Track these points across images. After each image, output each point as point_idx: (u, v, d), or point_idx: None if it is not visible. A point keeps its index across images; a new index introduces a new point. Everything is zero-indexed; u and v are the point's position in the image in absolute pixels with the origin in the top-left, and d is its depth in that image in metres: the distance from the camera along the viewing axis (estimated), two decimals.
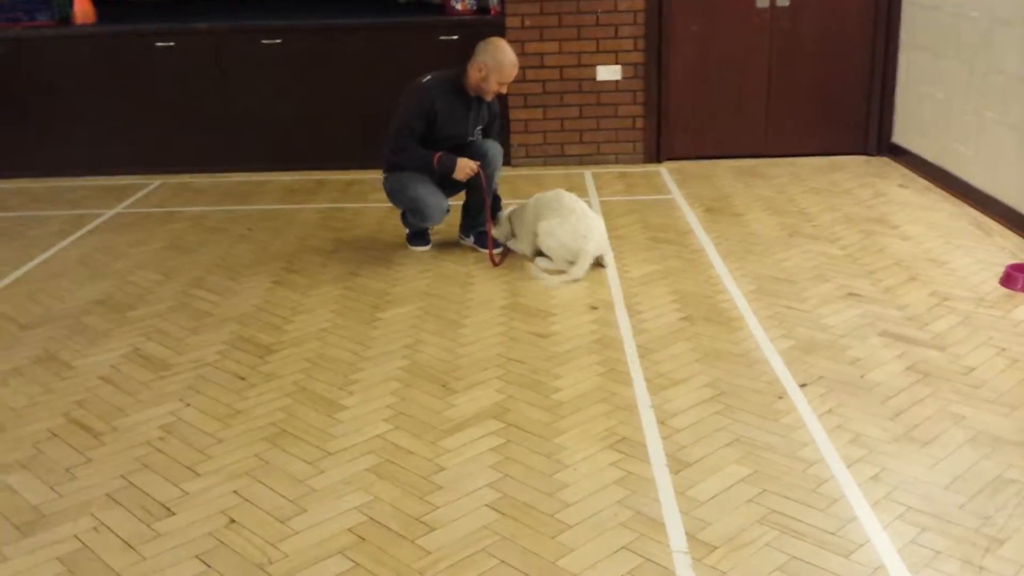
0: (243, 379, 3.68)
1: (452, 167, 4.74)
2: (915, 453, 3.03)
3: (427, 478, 2.95)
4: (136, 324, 4.26)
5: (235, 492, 2.90)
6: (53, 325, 4.28)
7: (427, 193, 4.84)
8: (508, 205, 5.15)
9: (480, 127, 4.96)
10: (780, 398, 3.40)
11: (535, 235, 4.74)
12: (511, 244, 5.01)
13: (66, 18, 7.03)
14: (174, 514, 2.80)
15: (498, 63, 4.72)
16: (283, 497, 2.86)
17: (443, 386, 3.57)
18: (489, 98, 4.87)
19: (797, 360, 3.69)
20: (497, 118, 5.08)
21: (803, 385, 3.49)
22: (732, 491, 2.85)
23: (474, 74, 4.74)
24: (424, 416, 3.34)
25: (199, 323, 4.25)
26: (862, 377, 3.54)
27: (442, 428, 3.25)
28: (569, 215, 4.65)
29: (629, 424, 3.24)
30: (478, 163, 4.80)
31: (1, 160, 6.94)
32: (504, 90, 4.83)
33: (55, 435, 3.29)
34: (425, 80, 4.80)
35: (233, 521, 2.75)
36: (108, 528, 2.73)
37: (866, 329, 3.96)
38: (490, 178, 4.91)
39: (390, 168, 4.94)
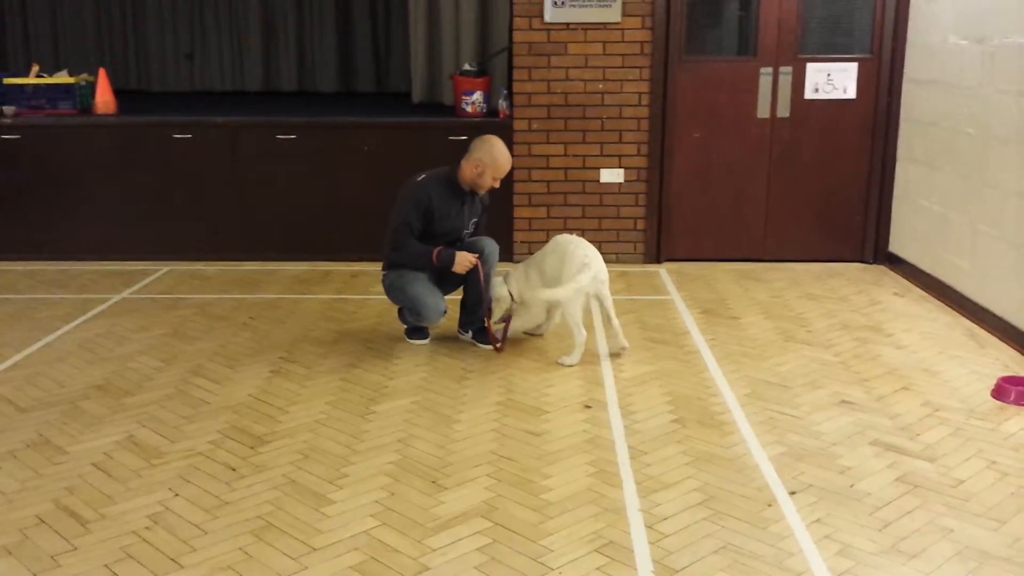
0: (234, 470, 3.69)
1: (451, 261, 4.83)
2: (902, 566, 3.01)
3: None
4: (133, 411, 4.29)
5: None
6: (50, 409, 4.31)
7: (425, 293, 4.92)
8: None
9: (475, 220, 5.07)
10: (769, 505, 3.39)
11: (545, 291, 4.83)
12: (516, 314, 5.10)
13: (87, 108, 7.26)
14: None
15: (494, 159, 4.86)
16: None
17: (433, 482, 3.57)
18: (482, 192, 4.99)
19: (788, 467, 3.69)
20: (487, 210, 5.20)
21: (792, 493, 3.48)
22: None
23: (470, 170, 4.87)
24: (412, 513, 3.34)
25: (195, 411, 4.28)
26: (851, 487, 3.54)
27: (429, 526, 3.25)
28: (570, 251, 4.81)
29: (617, 527, 3.23)
30: (476, 256, 4.90)
31: (16, 242, 7.08)
32: (497, 184, 4.95)
33: (43, 521, 3.29)
34: (420, 178, 4.93)
35: None
36: None
37: (857, 438, 3.97)
38: (488, 274, 4.99)
39: (389, 265, 5.04)
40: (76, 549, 3.11)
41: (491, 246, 5.07)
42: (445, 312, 5.02)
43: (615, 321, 4.94)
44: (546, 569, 2.98)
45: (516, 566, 3.00)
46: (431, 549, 3.10)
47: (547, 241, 5.18)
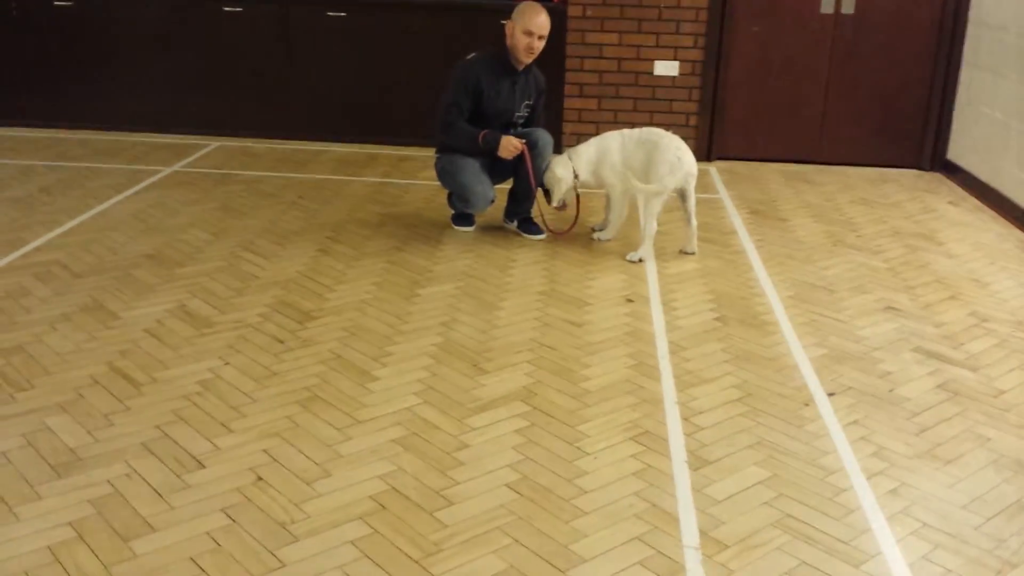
0: (282, 342, 3.78)
1: (496, 143, 4.79)
2: (936, 471, 3.04)
3: (451, 453, 3.02)
4: (183, 281, 4.38)
5: (265, 451, 2.99)
6: (104, 275, 4.41)
7: (475, 180, 4.90)
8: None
9: (528, 102, 4.99)
10: (806, 405, 3.42)
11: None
12: (580, 186, 5.01)
13: None
14: (204, 467, 2.89)
15: (519, 12, 4.78)
16: (310, 460, 2.95)
17: (474, 365, 3.64)
18: (524, 57, 4.81)
19: (827, 369, 3.71)
20: (544, 94, 5.10)
21: (831, 394, 3.50)
22: (749, 492, 2.88)
23: (507, 37, 4.80)
24: (453, 393, 3.41)
25: (244, 285, 4.36)
26: (891, 391, 3.55)
27: (470, 406, 3.32)
28: (662, 146, 4.74)
29: (653, 418, 3.28)
30: (523, 141, 4.84)
31: (68, 111, 7.14)
32: (535, 44, 4.77)
33: (97, 382, 3.41)
34: (469, 58, 4.87)
35: (260, 479, 2.84)
36: (140, 476, 2.84)
37: (900, 344, 3.96)
38: (538, 166, 4.95)
39: (442, 148, 5.02)
40: (129, 409, 3.22)
41: (544, 137, 5.00)
42: (493, 200, 5.02)
43: (694, 222, 4.89)
44: (581, 453, 3.05)
45: (553, 448, 3.07)
46: (471, 428, 3.18)
47: (596, 133, 5.12)
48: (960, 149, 6.57)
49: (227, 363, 3.58)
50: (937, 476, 3.01)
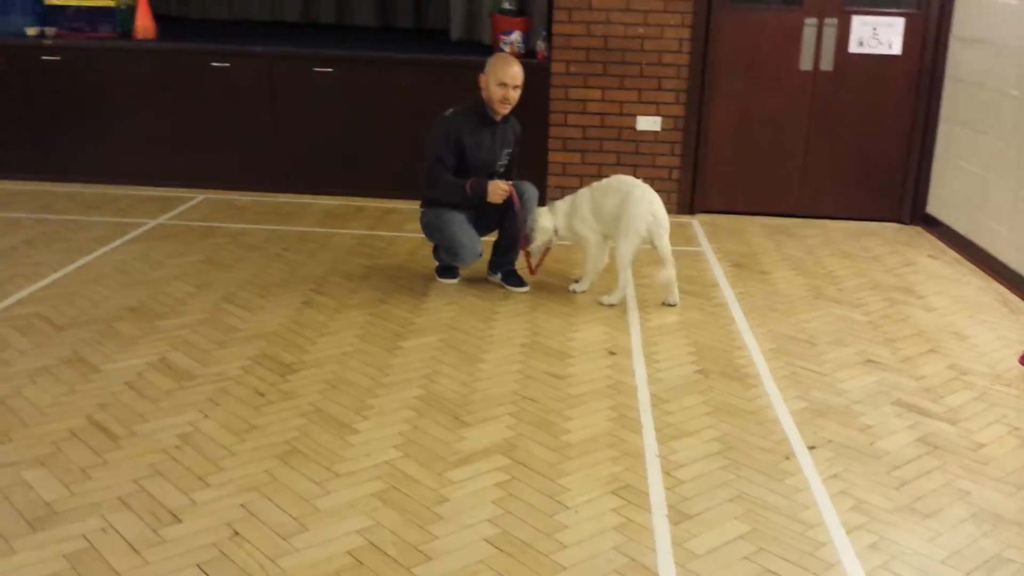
0: (262, 395, 3.77)
1: (483, 190, 4.84)
2: (916, 525, 3.04)
3: (430, 508, 3.00)
4: (165, 334, 4.38)
5: (242, 505, 2.97)
6: (85, 328, 4.40)
7: (463, 234, 4.94)
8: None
9: (508, 150, 5.06)
10: (787, 458, 3.42)
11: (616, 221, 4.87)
12: (558, 239, 5.13)
13: (127, 32, 7.27)
14: (181, 521, 2.87)
15: (491, 66, 4.88)
16: (287, 514, 2.93)
17: (456, 418, 3.63)
18: (500, 108, 4.87)
19: (808, 422, 3.71)
20: (520, 142, 5.16)
21: (811, 448, 3.51)
22: (729, 547, 2.87)
23: (483, 92, 4.87)
24: (434, 446, 3.40)
25: (226, 337, 4.36)
26: (871, 444, 3.56)
27: (450, 460, 3.31)
28: (635, 196, 4.83)
29: (634, 471, 3.28)
30: (509, 183, 4.90)
31: (55, 164, 7.16)
32: (511, 95, 4.84)
33: (75, 435, 3.39)
34: (448, 113, 4.94)
35: (237, 534, 2.82)
36: (116, 530, 2.81)
37: (881, 397, 3.98)
38: (524, 216, 4.99)
39: (427, 202, 5.06)
40: (106, 463, 3.20)
41: (530, 190, 5.06)
42: (480, 255, 5.05)
43: (671, 270, 4.91)
44: (562, 507, 3.04)
45: (533, 502, 3.06)
46: (451, 482, 3.16)
47: (579, 187, 5.18)
48: (939, 203, 6.65)
49: (207, 416, 3.57)
50: (916, 530, 3.01)
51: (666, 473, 3.28)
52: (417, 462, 3.28)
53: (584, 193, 5.05)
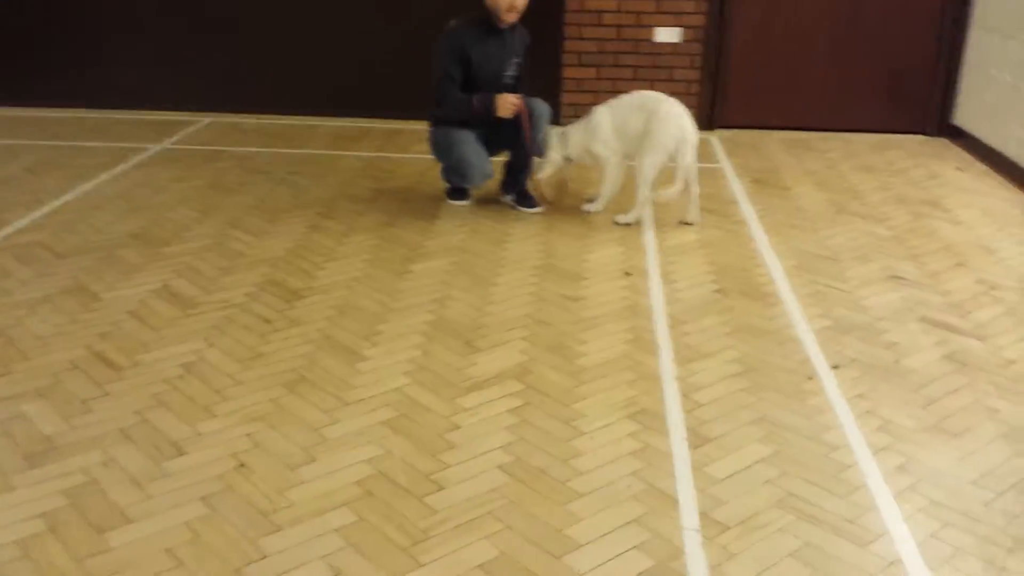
0: (269, 322, 3.67)
1: (491, 103, 4.64)
2: (944, 445, 2.93)
3: (441, 435, 2.91)
4: (169, 260, 4.27)
5: (248, 436, 2.88)
6: (87, 256, 4.30)
7: (472, 154, 4.76)
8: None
9: (516, 59, 4.84)
10: (809, 379, 3.30)
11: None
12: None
13: None
14: (185, 454, 2.79)
15: None
16: (295, 444, 2.85)
17: (467, 343, 3.52)
18: (506, 17, 4.64)
19: (831, 340, 3.59)
20: (529, 50, 4.91)
21: (835, 367, 3.38)
22: (751, 471, 2.77)
23: (488, 1, 4.63)
24: (445, 372, 3.30)
25: (231, 263, 4.25)
26: (896, 362, 3.43)
27: (461, 386, 3.21)
28: (662, 113, 4.62)
29: (651, 395, 3.17)
30: (519, 97, 4.70)
31: (55, 89, 6.99)
32: (517, 2, 4.60)
33: (76, 366, 3.30)
34: (452, 25, 4.72)
35: (243, 465, 2.74)
36: (118, 463, 2.73)
37: (906, 314, 3.84)
38: (535, 135, 4.81)
39: (435, 121, 4.88)
40: (108, 395, 3.12)
41: (540, 107, 4.85)
42: (491, 176, 4.88)
43: (695, 190, 4.77)
44: (577, 433, 2.94)
45: (547, 428, 2.96)
46: (463, 408, 3.07)
47: (594, 104, 4.98)
48: (967, 113, 6.41)
49: (211, 345, 3.47)
50: (945, 450, 2.90)
51: (684, 396, 3.17)
52: (428, 389, 3.19)
53: (603, 112, 4.79)
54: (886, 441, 2.93)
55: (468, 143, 4.78)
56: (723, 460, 2.82)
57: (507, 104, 4.65)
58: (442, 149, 4.88)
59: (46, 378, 3.21)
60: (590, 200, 5.03)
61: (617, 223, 4.75)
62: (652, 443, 2.89)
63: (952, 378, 3.33)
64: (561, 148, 4.87)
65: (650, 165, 4.62)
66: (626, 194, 4.89)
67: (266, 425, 2.95)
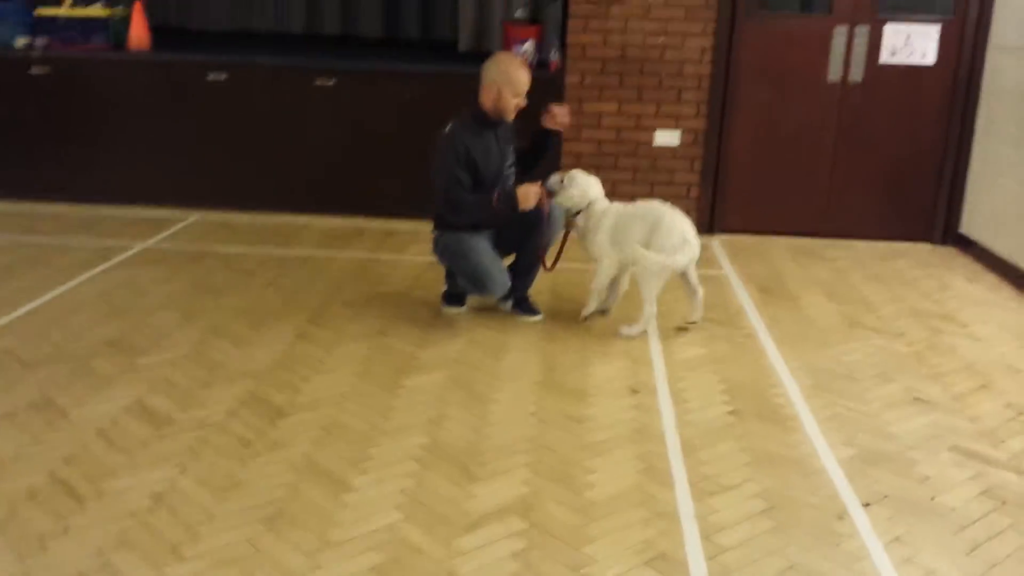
0: (248, 445, 3.38)
1: (514, 200, 4.41)
2: None
3: None
4: (145, 372, 3.99)
5: None
6: (58, 366, 4.02)
7: (492, 266, 4.52)
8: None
9: (511, 147, 4.66)
10: (840, 518, 3.02)
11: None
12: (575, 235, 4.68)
13: (121, 43, 6.90)
14: None
15: (507, 76, 4.43)
16: None
17: (464, 471, 3.24)
18: (511, 117, 4.52)
19: (859, 473, 3.31)
20: (517, 135, 4.72)
21: (866, 504, 3.10)
22: None
23: (488, 98, 4.47)
24: (440, 507, 3.01)
25: (211, 375, 3.98)
26: (932, 500, 3.16)
27: (459, 523, 2.91)
28: (666, 222, 4.43)
29: (669, 537, 2.88)
30: (539, 183, 4.50)
31: (40, 182, 6.80)
32: (523, 103, 4.49)
33: (35, 496, 3.00)
34: (447, 129, 4.52)
35: None
36: None
37: (935, 442, 3.58)
38: (549, 239, 4.62)
39: (442, 225, 4.65)
40: (68, 531, 2.81)
41: (556, 210, 4.65)
42: (509, 286, 4.63)
43: (700, 292, 4.61)
44: None
45: None
46: (460, 552, 2.77)
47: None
48: (975, 222, 6.26)
49: (185, 471, 3.18)
50: None
51: (705, 538, 2.88)
52: (422, 527, 2.89)
53: (608, 212, 4.58)
54: None
55: (485, 252, 4.54)
56: None
57: (530, 194, 4.43)
58: (456, 257, 4.61)
59: (2, 509, 2.90)
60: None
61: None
62: None
63: (994, 519, 3.06)
64: (591, 188, 4.61)
65: (655, 277, 4.41)
66: (628, 303, 4.66)
67: (240, 572, 2.64)
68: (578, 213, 4.61)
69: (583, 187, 4.59)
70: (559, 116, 4.57)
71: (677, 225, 4.42)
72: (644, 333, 4.56)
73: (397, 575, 2.64)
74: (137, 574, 2.60)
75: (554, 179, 4.64)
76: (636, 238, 4.44)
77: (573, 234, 4.69)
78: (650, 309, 4.47)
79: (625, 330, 4.54)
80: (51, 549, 2.71)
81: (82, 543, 2.74)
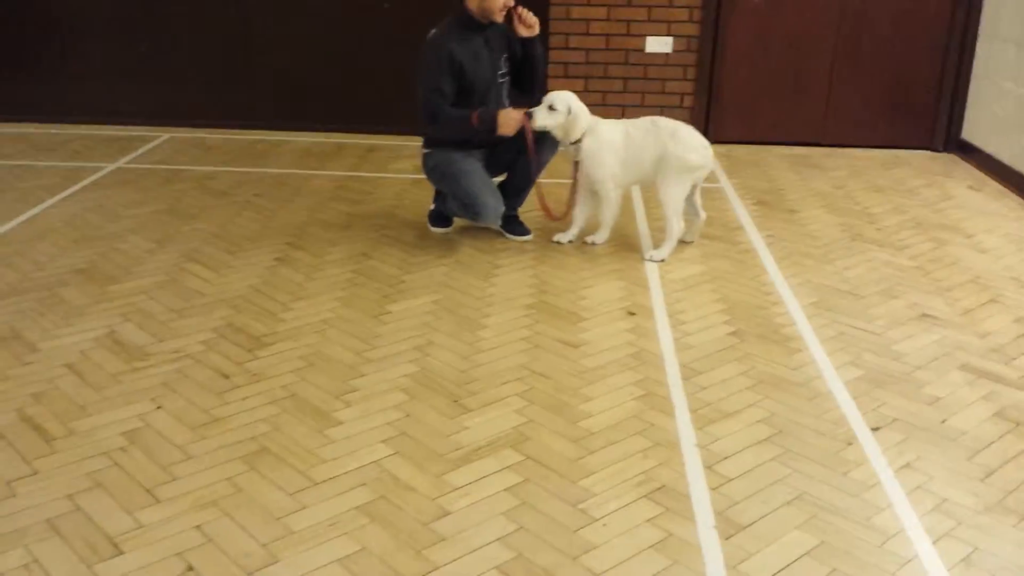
0: (227, 377, 3.21)
1: (493, 121, 4.16)
2: (1013, 528, 2.52)
3: (428, 525, 2.47)
4: (117, 300, 3.80)
5: (198, 528, 2.43)
6: (25, 296, 3.82)
7: (485, 191, 4.27)
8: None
9: (505, 55, 4.37)
10: (849, 444, 2.89)
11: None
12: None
13: None
14: (122, 553, 2.33)
15: None
16: (254, 539, 2.39)
17: (455, 402, 3.08)
18: (498, 17, 4.23)
19: (867, 395, 3.18)
20: (517, 43, 4.37)
21: (875, 429, 2.97)
22: (795, 568, 2.35)
23: (476, 2, 4.18)
24: (430, 440, 2.86)
25: (187, 304, 3.79)
26: (943, 422, 3.03)
27: (451, 457, 2.77)
28: (682, 135, 4.24)
29: (670, 467, 2.74)
30: (523, 111, 4.23)
31: (5, 102, 6.49)
32: (511, 1, 4.21)
33: (2, 436, 2.83)
34: (433, 34, 4.25)
35: (191, 569, 2.28)
36: (41, 567, 2.27)
37: (945, 360, 3.44)
38: (541, 158, 4.38)
39: (430, 142, 4.40)
40: (36, 474, 2.65)
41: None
42: (503, 212, 4.39)
43: (703, 217, 4.51)
44: (588, 519, 2.50)
45: (552, 513, 2.52)
46: (453, 487, 2.63)
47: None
48: (977, 128, 6.05)
49: (160, 407, 3.01)
50: (1015, 536, 2.49)
51: (708, 468, 2.74)
52: (411, 462, 2.74)
53: (615, 133, 4.28)
54: (946, 525, 2.52)
55: (476, 175, 4.30)
56: (761, 554, 2.39)
57: (511, 120, 4.19)
58: (446, 178, 4.38)
59: None
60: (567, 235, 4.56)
61: (652, 260, 4.30)
62: (676, 532, 2.46)
63: (1008, 441, 2.93)
64: (572, 111, 4.26)
65: (678, 192, 4.23)
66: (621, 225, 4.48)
67: (220, 513, 2.49)
68: (577, 141, 4.31)
69: (576, 111, 4.26)
70: (525, 19, 4.27)
71: (694, 132, 4.26)
72: (631, 251, 4.38)
73: (386, 514, 2.50)
74: (110, 519, 2.45)
75: (543, 104, 4.27)
76: (651, 153, 4.22)
77: (576, 158, 4.38)
78: (678, 225, 4.28)
79: (655, 254, 4.32)
80: (19, 495, 2.55)
81: (52, 487, 2.58)
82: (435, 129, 4.29)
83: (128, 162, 5.73)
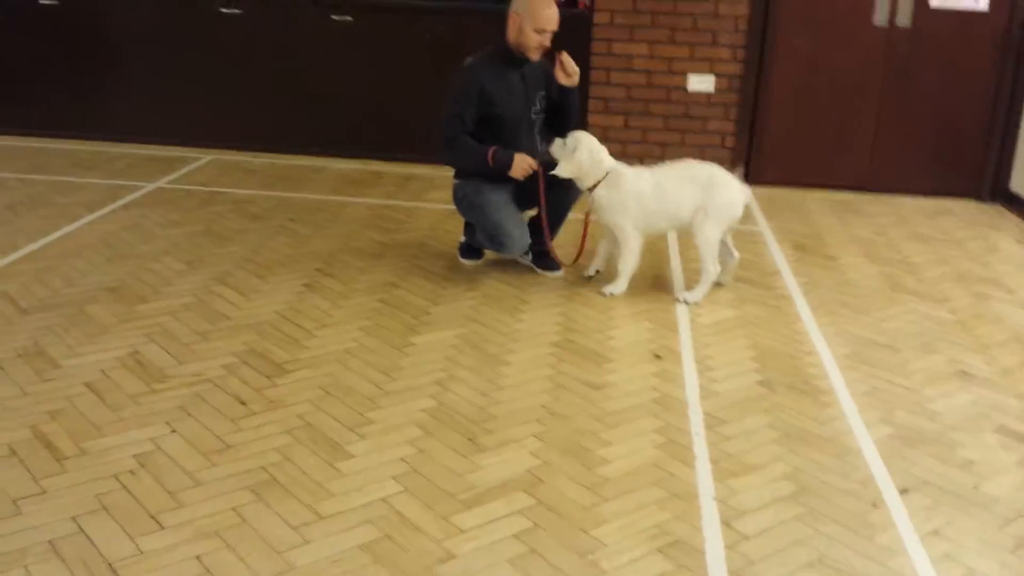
0: (244, 404, 3.19)
1: (508, 163, 4.14)
2: None
3: (431, 568, 2.41)
4: (144, 320, 3.81)
5: (198, 558, 2.39)
6: (53, 312, 3.85)
7: (511, 223, 4.25)
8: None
9: (541, 92, 4.33)
10: (875, 506, 2.78)
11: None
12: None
13: None
14: None
15: (529, 8, 4.13)
16: (253, 573, 2.35)
17: (470, 440, 3.03)
18: (534, 56, 4.21)
19: (897, 455, 3.07)
20: (555, 82, 4.30)
21: (904, 491, 2.86)
22: None
23: (512, 31, 4.18)
24: (442, 478, 2.80)
25: (212, 327, 3.78)
26: (976, 488, 2.91)
27: (460, 498, 2.71)
28: (719, 179, 4.22)
29: (686, 521, 2.66)
30: (537, 161, 4.21)
31: (51, 118, 6.62)
32: (547, 42, 4.17)
33: (14, 453, 2.83)
34: (468, 61, 4.26)
35: None
36: None
37: (981, 421, 3.32)
38: (560, 202, 4.36)
39: (461, 172, 4.38)
40: (43, 493, 2.64)
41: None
42: (528, 246, 4.38)
43: (736, 257, 4.44)
44: (596, 571, 2.43)
45: (560, 564, 2.45)
46: (460, 530, 2.57)
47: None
48: None
49: (174, 431, 2.99)
50: None
51: (726, 524, 2.65)
52: (420, 501, 2.69)
53: (642, 182, 4.18)
54: None
55: (503, 206, 4.28)
56: None
57: (523, 165, 4.16)
58: (472, 209, 4.36)
59: None
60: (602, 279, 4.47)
61: (686, 303, 4.23)
62: None
63: None
64: (601, 162, 4.19)
65: (714, 234, 4.19)
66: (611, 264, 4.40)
67: (222, 544, 2.45)
68: (596, 185, 4.23)
69: (595, 153, 4.17)
70: (567, 67, 4.23)
71: (730, 179, 4.22)
72: (662, 293, 4.31)
73: (389, 553, 2.45)
74: (111, 544, 2.43)
75: (558, 144, 4.23)
76: (690, 200, 4.16)
77: (590, 206, 4.32)
78: (714, 268, 4.22)
79: (689, 296, 4.25)
80: (25, 513, 2.54)
81: (58, 507, 2.57)
82: (450, 156, 4.28)
83: (169, 182, 5.79)
